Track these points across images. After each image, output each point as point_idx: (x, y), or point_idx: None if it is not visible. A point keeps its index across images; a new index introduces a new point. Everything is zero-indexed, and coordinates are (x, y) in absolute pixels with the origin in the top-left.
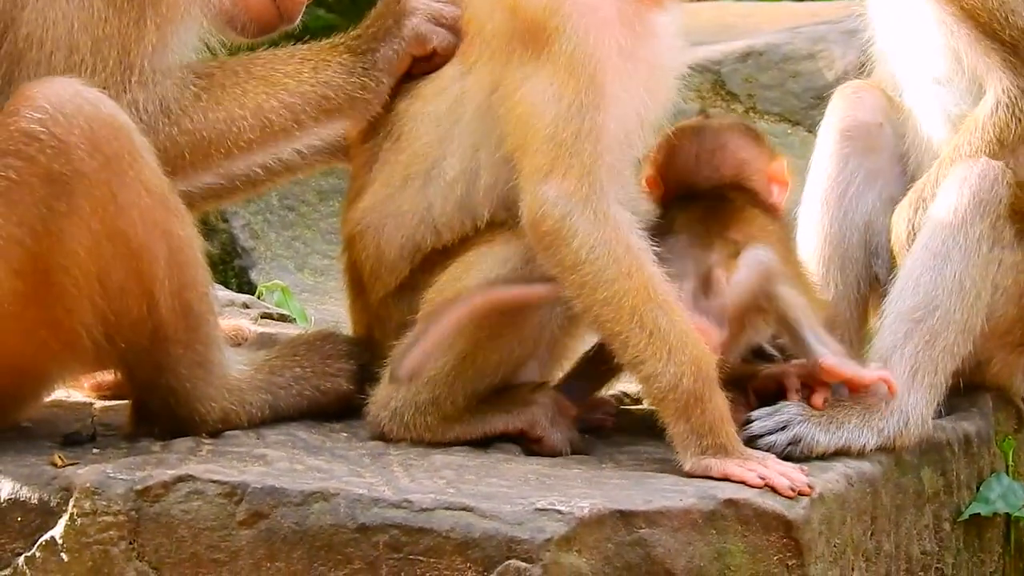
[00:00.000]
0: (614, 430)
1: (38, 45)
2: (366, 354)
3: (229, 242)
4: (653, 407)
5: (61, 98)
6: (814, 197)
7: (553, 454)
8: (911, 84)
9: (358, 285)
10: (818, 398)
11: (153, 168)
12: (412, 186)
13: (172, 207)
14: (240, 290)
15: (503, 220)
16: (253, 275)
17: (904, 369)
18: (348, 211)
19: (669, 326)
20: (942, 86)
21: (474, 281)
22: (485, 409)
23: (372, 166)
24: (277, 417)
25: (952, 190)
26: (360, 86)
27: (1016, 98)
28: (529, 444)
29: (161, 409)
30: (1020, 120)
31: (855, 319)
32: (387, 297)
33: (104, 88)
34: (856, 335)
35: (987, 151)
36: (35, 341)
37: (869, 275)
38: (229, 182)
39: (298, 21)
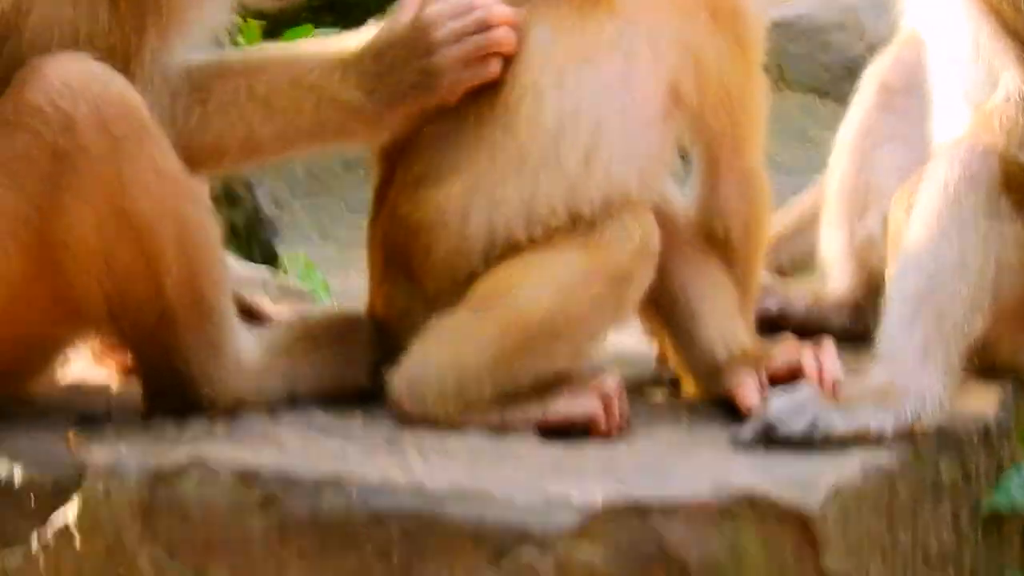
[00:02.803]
0: (632, 413)
1: (42, 51)
2: (388, 341)
3: (253, 212)
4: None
5: (69, 72)
6: (843, 144)
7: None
8: (934, 63)
9: (402, 270)
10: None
11: (164, 149)
12: (525, 172)
13: (183, 189)
14: (264, 260)
15: (590, 221)
16: (277, 245)
17: (914, 350)
18: (414, 195)
19: None
20: (961, 69)
21: (532, 285)
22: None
23: (453, 148)
24: (293, 402)
25: (942, 166)
26: (366, 124)
27: None
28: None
29: (172, 391)
30: None
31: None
32: (451, 287)
33: None
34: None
35: (990, 142)
36: (42, 314)
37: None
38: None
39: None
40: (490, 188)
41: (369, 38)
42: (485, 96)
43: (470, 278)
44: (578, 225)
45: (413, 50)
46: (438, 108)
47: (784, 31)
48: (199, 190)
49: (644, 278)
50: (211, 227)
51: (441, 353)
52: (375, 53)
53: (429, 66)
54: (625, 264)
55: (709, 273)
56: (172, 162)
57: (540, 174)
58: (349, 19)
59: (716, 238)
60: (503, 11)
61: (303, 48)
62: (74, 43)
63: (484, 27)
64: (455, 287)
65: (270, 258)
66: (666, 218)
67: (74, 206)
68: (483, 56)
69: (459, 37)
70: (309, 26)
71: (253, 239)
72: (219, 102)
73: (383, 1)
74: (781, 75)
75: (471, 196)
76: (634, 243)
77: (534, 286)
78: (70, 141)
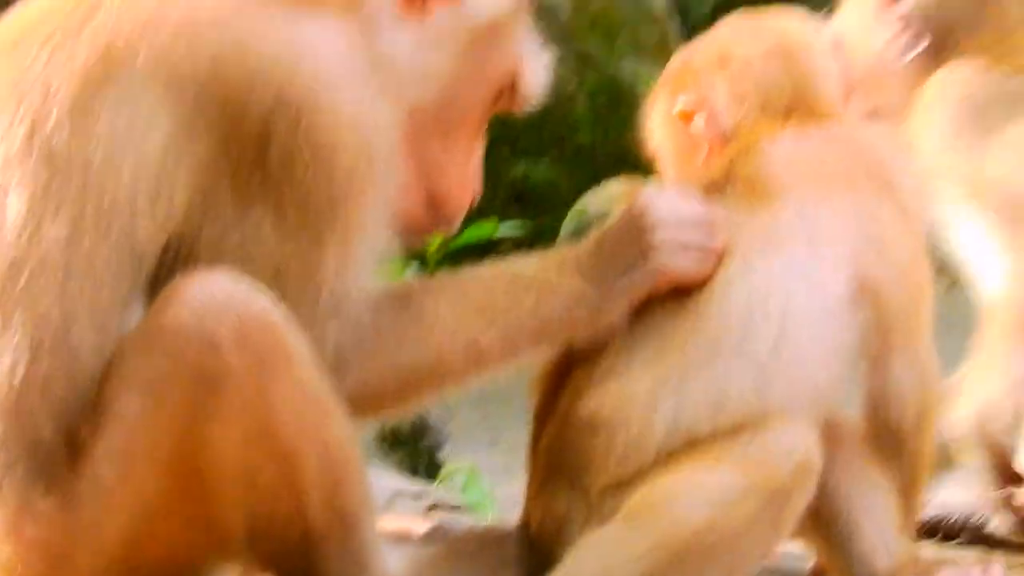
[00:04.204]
0: None
1: None
2: (540, 556)
3: (418, 418)
4: None
5: (211, 291)
6: None
7: None
8: None
9: (566, 477)
10: None
11: (308, 368)
12: (716, 362)
13: (326, 407)
14: (429, 468)
15: (751, 424)
16: (441, 454)
17: None
18: (599, 392)
19: None
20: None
21: (688, 499)
22: None
23: (641, 344)
24: None
25: None
26: (587, 316)
27: None
28: None
29: None
30: None
31: None
32: (616, 489)
33: (294, 319)
34: None
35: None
36: (184, 536)
37: None
38: None
39: (456, 226)
40: (679, 380)
41: (589, 236)
42: (674, 292)
43: (638, 475)
44: (741, 434)
45: (630, 231)
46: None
47: None
48: (341, 408)
49: (804, 496)
50: (354, 445)
51: (592, 566)
52: (592, 244)
53: (645, 243)
54: (784, 482)
55: (872, 482)
56: (316, 380)
57: (730, 364)
58: (536, 211)
59: (887, 428)
60: (722, 218)
61: (512, 260)
62: (245, 262)
63: (707, 225)
64: (620, 488)
65: (434, 466)
66: (831, 424)
67: (215, 427)
68: (703, 251)
69: (681, 222)
70: (495, 219)
71: (418, 447)
72: (434, 316)
73: (571, 193)
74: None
75: (660, 389)
76: (795, 460)
77: (689, 500)
78: (212, 361)
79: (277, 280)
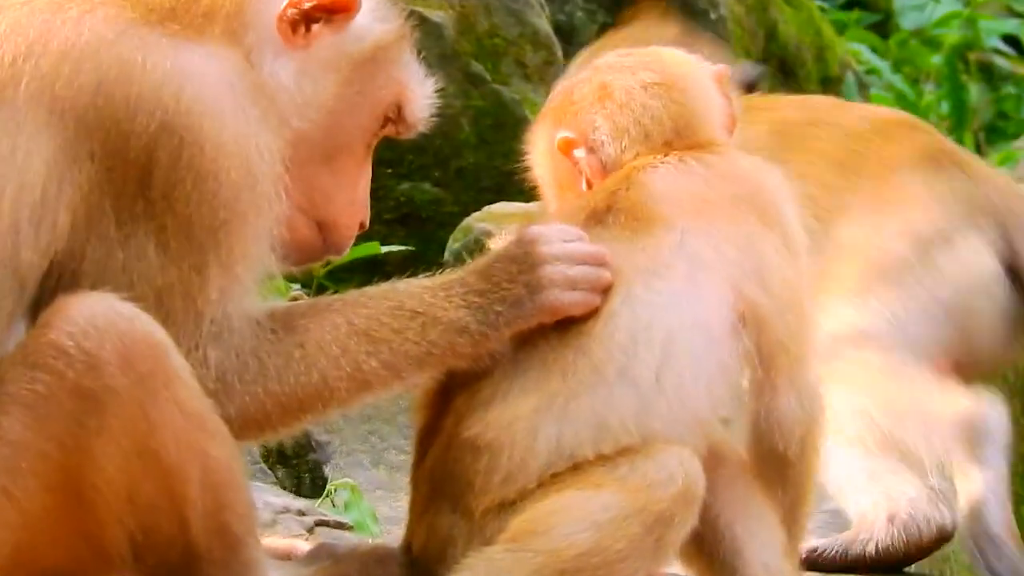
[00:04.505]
0: None
1: None
2: (421, 574)
3: (303, 435)
4: None
5: (94, 312)
6: None
7: None
8: None
9: (448, 499)
10: None
11: (190, 387)
12: (598, 389)
13: (209, 428)
14: (313, 485)
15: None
16: (327, 470)
17: None
18: (483, 417)
19: None
20: None
21: (569, 523)
22: None
23: (523, 371)
24: None
25: None
26: (470, 345)
27: None
28: None
29: None
30: None
31: None
32: (498, 510)
33: (176, 343)
34: None
35: None
36: (66, 552)
37: None
38: None
39: (346, 252)
40: (562, 405)
41: (475, 260)
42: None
43: (521, 497)
44: (624, 458)
45: (519, 263)
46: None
47: None
48: (224, 429)
49: (686, 521)
50: (236, 464)
51: None
52: (480, 271)
53: (534, 279)
54: (666, 507)
55: (757, 508)
56: (197, 400)
57: (613, 390)
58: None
59: (772, 455)
60: (606, 251)
61: (399, 283)
62: (129, 286)
63: (595, 261)
64: (503, 510)
65: (319, 483)
66: (714, 450)
67: (98, 444)
68: (591, 287)
69: (570, 258)
70: (376, 243)
71: (303, 464)
72: (318, 340)
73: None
74: None
75: (543, 414)
76: (677, 485)
77: (571, 524)
78: (95, 381)
79: (160, 304)
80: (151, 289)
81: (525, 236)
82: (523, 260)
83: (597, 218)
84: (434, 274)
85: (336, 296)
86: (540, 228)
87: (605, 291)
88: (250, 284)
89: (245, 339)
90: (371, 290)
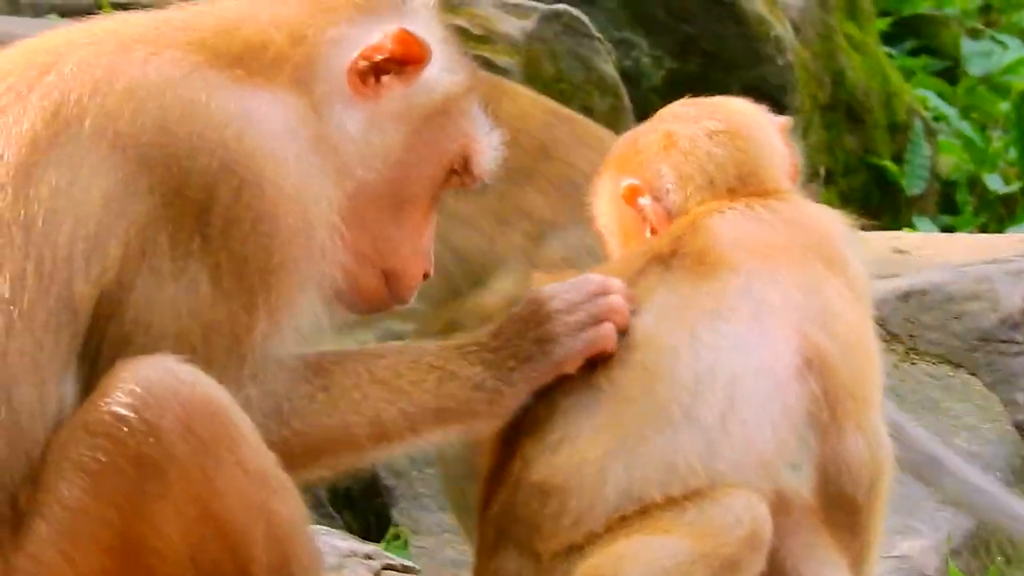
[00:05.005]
0: None
1: (144, 330)
2: None
3: (371, 480)
4: None
5: (152, 379)
6: None
7: None
8: None
9: (515, 543)
10: None
11: (253, 446)
12: (665, 431)
13: (273, 484)
14: (380, 529)
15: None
16: (394, 514)
17: None
18: (552, 461)
19: None
20: None
21: (636, 569)
22: None
23: (590, 414)
24: None
25: None
26: (488, 401)
27: None
28: None
29: None
30: None
31: None
32: (566, 554)
33: (220, 382)
34: None
35: None
36: None
37: None
38: None
39: (411, 300)
40: (629, 448)
41: (491, 324)
42: (622, 361)
43: (589, 540)
44: (691, 502)
45: (528, 322)
46: (564, 381)
47: (917, 300)
48: (287, 483)
49: (754, 566)
50: (300, 516)
51: None
52: (493, 331)
53: (544, 334)
54: (734, 551)
55: (824, 552)
56: (260, 457)
57: (678, 433)
58: None
59: (839, 499)
60: (615, 282)
61: (419, 342)
62: (176, 319)
63: (598, 292)
64: (571, 553)
65: (386, 527)
66: (782, 494)
67: (159, 510)
68: (596, 322)
69: (574, 307)
70: None
71: (369, 508)
72: (342, 387)
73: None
74: (913, 344)
75: (611, 456)
76: (744, 529)
77: (639, 569)
78: (155, 449)
79: (206, 341)
80: (199, 324)
81: (534, 296)
82: (531, 319)
83: (660, 260)
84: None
85: (360, 348)
86: (548, 287)
87: (620, 313)
88: (292, 330)
89: (280, 382)
90: (392, 345)
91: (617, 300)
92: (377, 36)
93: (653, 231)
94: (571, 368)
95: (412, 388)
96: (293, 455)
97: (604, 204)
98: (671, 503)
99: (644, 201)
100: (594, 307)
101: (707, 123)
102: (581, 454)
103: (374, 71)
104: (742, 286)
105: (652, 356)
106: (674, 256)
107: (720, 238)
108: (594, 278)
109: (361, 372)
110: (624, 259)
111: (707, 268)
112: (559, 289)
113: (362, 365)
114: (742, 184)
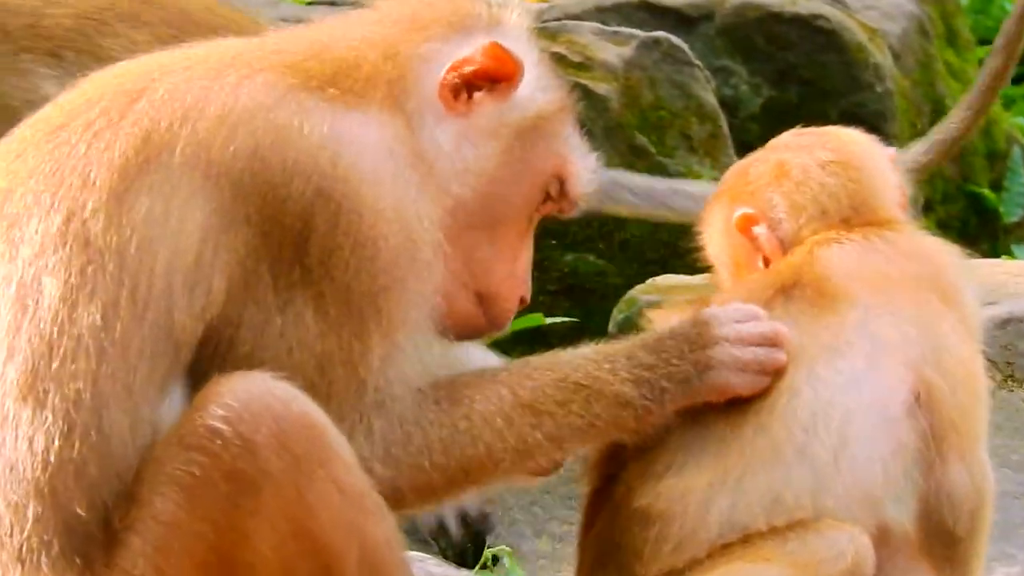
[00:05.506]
0: None
1: (258, 366)
2: None
3: (464, 505)
4: None
5: (249, 395)
6: None
7: None
8: None
9: (615, 566)
10: None
11: (348, 466)
12: (776, 466)
13: (367, 505)
14: (476, 555)
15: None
16: (489, 540)
17: None
18: (656, 487)
19: None
20: None
21: None
22: None
23: (699, 443)
24: None
25: None
26: (634, 419)
27: None
28: None
29: None
30: None
31: None
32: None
33: (340, 418)
34: None
35: None
36: None
37: None
38: None
39: (506, 327)
40: (738, 480)
41: (643, 333)
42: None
43: (690, 567)
44: (794, 532)
45: (691, 342)
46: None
47: (1015, 328)
48: (383, 505)
49: None
50: (395, 540)
51: None
52: (650, 345)
53: (704, 358)
54: None
55: None
56: (355, 478)
57: (791, 468)
58: (585, 303)
59: (941, 531)
60: (786, 333)
61: (563, 353)
62: (288, 353)
63: (768, 342)
64: None
65: (480, 554)
66: (883, 526)
67: (253, 525)
68: (763, 371)
69: (741, 340)
70: (539, 315)
71: (465, 534)
72: (483, 412)
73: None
74: (1011, 371)
75: (718, 487)
76: (846, 562)
77: None
78: (250, 464)
79: (321, 373)
80: (311, 357)
81: (700, 317)
82: (695, 340)
83: (784, 291)
84: (598, 343)
85: (501, 367)
86: (716, 309)
87: (778, 372)
88: (412, 351)
89: (408, 408)
90: (535, 360)
91: (783, 358)
92: (468, 50)
93: (766, 261)
94: (718, 399)
95: (558, 409)
96: (432, 486)
97: (715, 233)
98: (774, 532)
99: (759, 230)
100: (766, 357)
101: (819, 153)
102: (687, 483)
103: (466, 86)
104: (859, 320)
105: (773, 395)
106: (795, 287)
107: (838, 270)
108: (765, 318)
109: (504, 396)
110: (748, 289)
111: (827, 300)
112: (729, 315)
113: (506, 388)
114: (855, 214)
